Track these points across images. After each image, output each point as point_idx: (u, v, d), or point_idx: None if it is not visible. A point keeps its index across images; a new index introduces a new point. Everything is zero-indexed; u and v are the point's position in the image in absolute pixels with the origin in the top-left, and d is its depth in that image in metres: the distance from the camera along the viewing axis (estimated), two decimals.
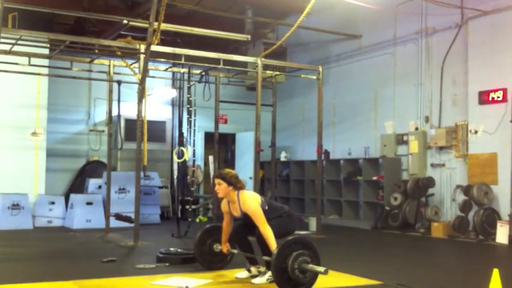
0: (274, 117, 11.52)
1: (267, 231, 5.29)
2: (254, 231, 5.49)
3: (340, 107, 12.95)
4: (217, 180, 5.63)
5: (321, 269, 4.98)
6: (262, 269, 5.58)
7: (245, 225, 5.67)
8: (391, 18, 11.52)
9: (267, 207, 5.53)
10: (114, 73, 9.91)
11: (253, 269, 5.66)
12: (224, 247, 5.93)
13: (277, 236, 5.32)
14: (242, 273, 5.67)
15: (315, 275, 5.11)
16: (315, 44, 13.70)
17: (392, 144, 11.50)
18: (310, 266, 5.00)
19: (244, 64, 10.77)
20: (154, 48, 8.53)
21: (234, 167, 13.82)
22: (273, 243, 5.21)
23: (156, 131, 12.65)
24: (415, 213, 10.38)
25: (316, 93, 10.33)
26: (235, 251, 5.98)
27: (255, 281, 5.36)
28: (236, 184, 5.59)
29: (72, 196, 11.00)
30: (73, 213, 10.60)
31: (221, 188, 5.59)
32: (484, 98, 9.64)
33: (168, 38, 11.75)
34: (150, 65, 9.84)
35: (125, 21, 9.93)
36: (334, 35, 12.82)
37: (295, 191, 13.69)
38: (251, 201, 5.50)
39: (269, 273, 5.35)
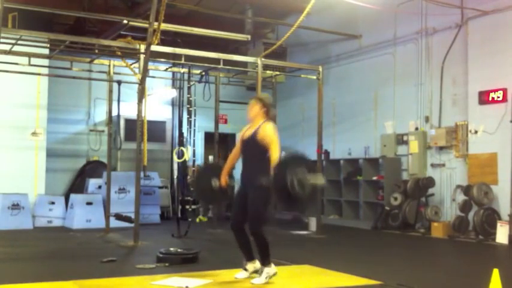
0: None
1: (277, 155, 5.30)
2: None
3: (340, 107, 12.95)
4: (253, 101, 5.67)
5: (320, 179, 5.09)
6: (260, 265, 5.61)
7: (241, 215, 5.60)
8: (391, 18, 11.52)
9: (268, 156, 5.46)
10: (114, 73, 9.92)
11: (250, 266, 5.65)
12: (223, 179, 5.89)
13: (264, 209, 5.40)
14: (241, 274, 5.66)
15: (314, 189, 5.19)
16: (315, 44, 13.70)
17: (393, 144, 11.50)
18: (308, 178, 5.06)
19: (244, 64, 10.77)
20: (154, 48, 8.54)
21: (234, 167, 13.80)
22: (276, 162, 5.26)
23: (156, 131, 12.64)
24: (415, 213, 10.38)
25: (316, 93, 10.33)
26: (234, 183, 5.98)
27: (254, 281, 5.36)
28: (269, 111, 5.62)
29: (72, 196, 11.00)
30: (73, 213, 10.60)
31: (254, 108, 5.63)
32: (484, 98, 9.64)
33: (168, 38, 11.75)
34: (150, 65, 9.84)
35: (125, 21, 9.93)
36: (334, 35, 12.82)
37: None
38: (273, 131, 5.48)
39: (266, 270, 5.37)
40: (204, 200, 6.11)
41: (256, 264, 5.63)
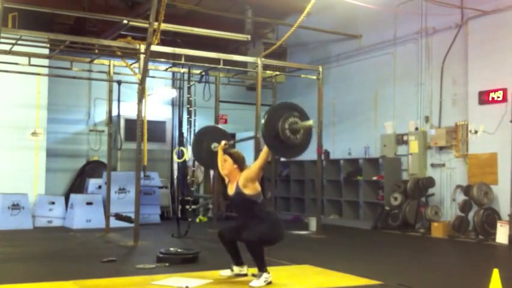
0: None
1: (263, 152, 5.36)
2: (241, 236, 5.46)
3: (340, 107, 12.95)
4: (224, 157, 5.69)
5: (309, 122, 5.18)
6: (247, 270, 5.63)
7: (236, 229, 5.63)
8: (391, 18, 11.52)
9: (260, 200, 5.52)
10: (114, 73, 9.92)
11: (236, 268, 5.68)
12: (223, 143, 6.00)
13: (263, 242, 5.35)
14: (225, 272, 5.72)
15: (307, 136, 5.29)
16: (315, 44, 13.70)
17: (392, 144, 11.50)
18: (299, 124, 5.16)
19: (244, 64, 10.78)
20: (154, 48, 8.54)
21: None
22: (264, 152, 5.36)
23: (156, 131, 12.65)
24: (415, 213, 10.38)
25: (316, 93, 10.33)
26: (232, 142, 6.09)
27: (253, 283, 5.33)
28: (241, 165, 5.62)
29: (72, 196, 11.01)
30: (73, 213, 10.60)
31: (226, 164, 5.63)
32: (484, 98, 9.64)
33: (168, 38, 11.75)
34: (150, 65, 9.84)
35: (125, 21, 9.93)
36: (334, 35, 12.82)
37: (295, 191, 13.69)
38: (248, 168, 5.53)
39: (264, 275, 5.34)
40: (202, 163, 6.24)
41: (244, 269, 5.66)
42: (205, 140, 6.32)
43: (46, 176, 11.18)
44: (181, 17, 12.24)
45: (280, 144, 5.21)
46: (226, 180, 5.75)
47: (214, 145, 6.16)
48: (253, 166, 5.51)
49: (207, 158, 6.34)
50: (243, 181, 5.45)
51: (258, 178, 5.54)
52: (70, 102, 12.89)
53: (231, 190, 5.64)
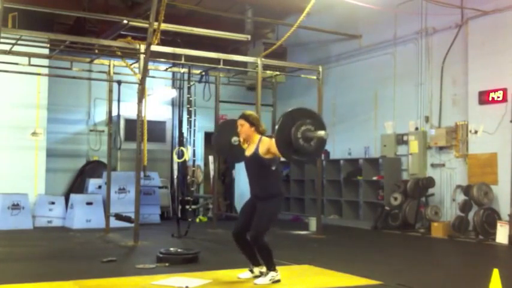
0: (274, 117, 11.51)
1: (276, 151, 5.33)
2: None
3: (340, 107, 12.95)
4: (240, 122, 5.60)
5: (321, 132, 5.09)
6: (264, 269, 5.57)
7: (245, 225, 5.64)
8: (391, 18, 11.52)
9: (274, 168, 5.53)
10: (114, 73, 9.92)
11: (256, 270, 5.62)
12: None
13: (269, 223, 5.44)
14: (245, 274, 5.65)
15: (321, 143, 5.21)
16: (315, 44, 13.69)
17: (393, 144, 11.50)
18: (313, 132, 5.08)
19: (244, 64, 10.77)
20: (154, 48, 8.54)
21: (234, 167, 13.81)
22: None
23: (156, 131, 12.64)
24: (415, 213, 10.38)
25: (316, 93, 10.33)
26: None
27: (257, 281, 5.35)
28: (258, 126, 5.56)
29: (72, 196, 11.01)
30: (73, 213, 10.60)
31: (244, 128, 5.57)
32: (484, 98, 9.64)
33: (168, 38, 11.75)
34: (150, 65, 9.84)
35: (125, 21, 9.93)
36: (334, 35, 12.82)
37: (295, 191, 13.69)
38: (272, 141, 5.44)
39: (271, 273, 5.35)
40: (223, 155, 6.21)
41: (263, 269, 5.59)
42: (224, 133, 6.24)
43: (46, 176, 11.18)
44: (181, 17, 12.23)
45: (293, 153, 5.14)
46: (244, 143, 5.69)
47: (234, 139, 6.10)
48: (275, 148, 5.31)
49: (228, 151, 6.25)
50: (264, 150, 5.40)
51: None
52: (70, 102, 12.88)
53: (248, 152, 5.59)
